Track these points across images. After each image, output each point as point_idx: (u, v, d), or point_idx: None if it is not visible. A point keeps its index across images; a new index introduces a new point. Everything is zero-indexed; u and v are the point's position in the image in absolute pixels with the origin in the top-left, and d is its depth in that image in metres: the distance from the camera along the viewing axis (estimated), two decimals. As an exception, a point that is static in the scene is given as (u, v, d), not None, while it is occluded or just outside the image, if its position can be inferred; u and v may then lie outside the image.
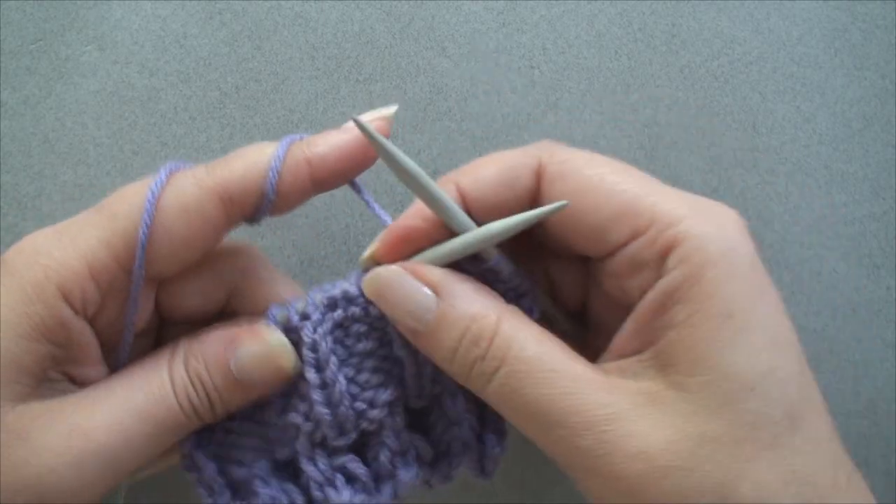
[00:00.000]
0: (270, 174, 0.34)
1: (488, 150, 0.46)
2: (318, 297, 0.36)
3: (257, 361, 0.35)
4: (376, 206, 0.38)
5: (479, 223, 0.34)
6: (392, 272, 0.34)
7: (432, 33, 0.47)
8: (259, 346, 0.35)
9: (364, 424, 0.36)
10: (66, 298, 0.33)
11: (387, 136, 0.36)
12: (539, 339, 0.32)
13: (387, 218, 0.38)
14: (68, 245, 0.33)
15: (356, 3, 0.47)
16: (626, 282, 0.33)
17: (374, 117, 0.37)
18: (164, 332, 0.40)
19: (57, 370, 0.34)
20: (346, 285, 0.36)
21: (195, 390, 0.35)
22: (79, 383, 0.35)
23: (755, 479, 0.29)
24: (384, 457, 0.36)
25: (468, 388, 0.34)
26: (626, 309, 0.33)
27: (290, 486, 0.38)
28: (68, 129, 0.46)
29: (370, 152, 0.36)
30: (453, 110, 0.46)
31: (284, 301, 0.37)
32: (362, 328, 0.36)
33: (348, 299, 0.35)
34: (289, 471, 0.39)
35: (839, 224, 0.46)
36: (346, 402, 0.35)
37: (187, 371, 0.35)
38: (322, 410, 0.35)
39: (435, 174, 0.45)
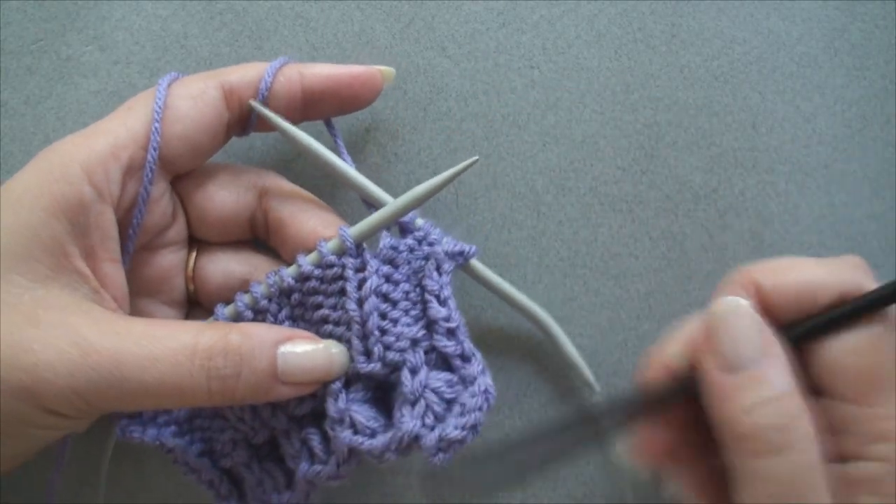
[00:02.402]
0: (267, 71, 0.39)
1: (488, 150, 0.46)
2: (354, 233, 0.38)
3: (309, 357, 0.37)
4: (344, 149, 0.42)
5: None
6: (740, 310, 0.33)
7: (432, 33, 0.47)
8: (315, 344, 0.37)
9: (390, 356, 0.38)
10: (90, 178, 0.35)
11: (378, 89, 0.42)
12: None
13: (350, 163, 0.42)
14: (91, 135, 0.36)
15: (356, 3, 0.47)
16: None
17: (371, 68, 0.42)
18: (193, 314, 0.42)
19: (74, 261, 0.35)
20: (389, 240, 0.39)
21: (224, 363, 0.35)
22: (98, 277, 0.36)
23: None
24: (404, 389, 0.37)
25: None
26: None
27: (272, 465, 0.40)
28: (69, 129, 0.46)
29: (360, 88, 0.41)
30: (453, 110, 0.46)
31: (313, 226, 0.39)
32: (401, 276, 0.39)
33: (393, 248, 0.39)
34: (266, 450, 0.41)
35: (839, 224, 0.46)
36: (377, 335, 0.38)
37: (226, 342, 0.35)
38: (356, 343, 0.38)
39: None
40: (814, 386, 0.33)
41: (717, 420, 0.33)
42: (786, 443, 0.31)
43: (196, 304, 0.42)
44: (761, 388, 0.31)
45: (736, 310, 0.33)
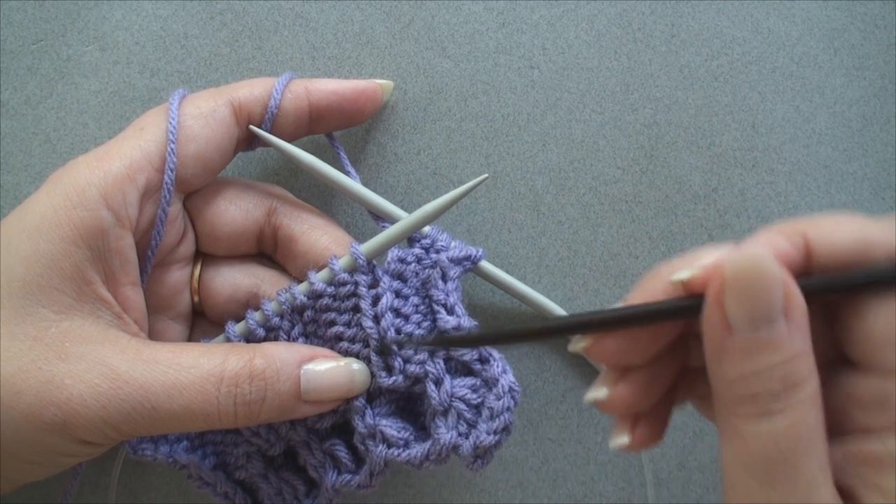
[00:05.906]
0: (275, 89, 0.39)
1: (488, 150, 0.46)
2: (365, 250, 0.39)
3: (331, 375, 0.37)
4: (347, 162, 0.43)
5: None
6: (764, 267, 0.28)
7: (432, 33, 0.47)
8: (336, 362, 0.37)
9: (411, 368, 0.38)
10: (107, 203, 0.35)
11: (379, 103, 0.43)
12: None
13: (355, 175, 0.42)
14: (105, 157, 0.36)
15: (356, 3, 0.47)
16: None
17: (372, 82, 0.42)
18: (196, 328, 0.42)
19: (96, 288, 0.35)
20: (398, 252, 0.39)
21: (249, 388, 0.35)
22: (120, 302, 0.36)
23: None
24: (431, 402, 0.38)
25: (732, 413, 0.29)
26: None
27: (289, 474, 0.40)
28: (69, 129, 0.46)
29: (364, 103, 0.41)
30: (453, 110, 0.46)
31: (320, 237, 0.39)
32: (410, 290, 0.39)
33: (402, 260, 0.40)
34: (280, 460, 0.41)
35: (839, 224, 0.46)
36: (395, 349, 0.38)
37: (252, 367, 0.35)
38: (375, 358, 0.38)
39: (435, 174, 0.46)
40: (836, 352, 0.30)
41: (711, 373, 0.29)
42: (781, 407, 0.28)
43: (199, 315, 0.42)
44: (768, 354, 0.28)
45: (757, 264, 0.28)
